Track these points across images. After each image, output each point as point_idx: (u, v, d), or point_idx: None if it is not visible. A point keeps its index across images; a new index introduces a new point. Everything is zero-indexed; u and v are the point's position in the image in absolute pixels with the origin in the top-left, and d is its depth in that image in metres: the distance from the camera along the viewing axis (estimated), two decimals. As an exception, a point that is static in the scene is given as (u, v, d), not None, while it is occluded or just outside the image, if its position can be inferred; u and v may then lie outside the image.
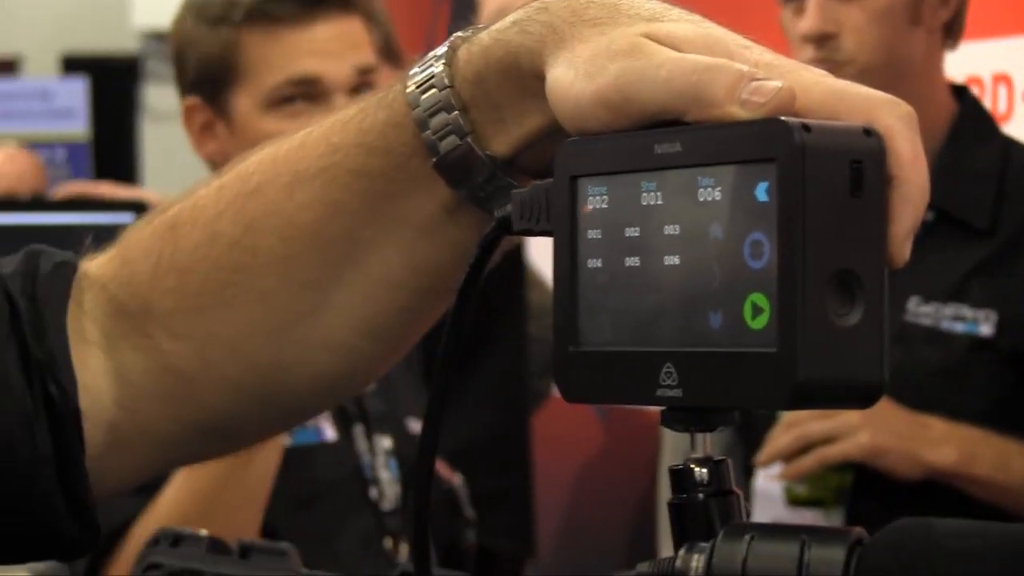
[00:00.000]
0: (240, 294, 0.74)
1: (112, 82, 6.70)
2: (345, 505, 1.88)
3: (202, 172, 2.00)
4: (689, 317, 0.54)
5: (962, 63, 2.28)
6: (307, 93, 1.92)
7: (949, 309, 1.91)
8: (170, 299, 0.75)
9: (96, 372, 0.76)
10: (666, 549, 0.60)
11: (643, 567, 0.56)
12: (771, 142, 0.50)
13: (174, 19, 2.06)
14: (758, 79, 0.53)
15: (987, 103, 2.32)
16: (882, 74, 1.81)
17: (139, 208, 1.94)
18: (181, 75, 2.03)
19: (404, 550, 1.89)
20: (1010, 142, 2.06)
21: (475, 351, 2.27)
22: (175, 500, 1.64)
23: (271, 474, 1.70)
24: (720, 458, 0.57)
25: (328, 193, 0.71)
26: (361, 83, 1.92)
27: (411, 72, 0.68)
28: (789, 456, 1.81)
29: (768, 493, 1.92)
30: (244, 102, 1.94)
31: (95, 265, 0.78)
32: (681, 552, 0.54)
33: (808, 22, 1.86)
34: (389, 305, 0.73)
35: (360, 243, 0.71)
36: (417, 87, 0.67)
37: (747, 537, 0.52)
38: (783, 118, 0.50)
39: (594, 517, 3.60)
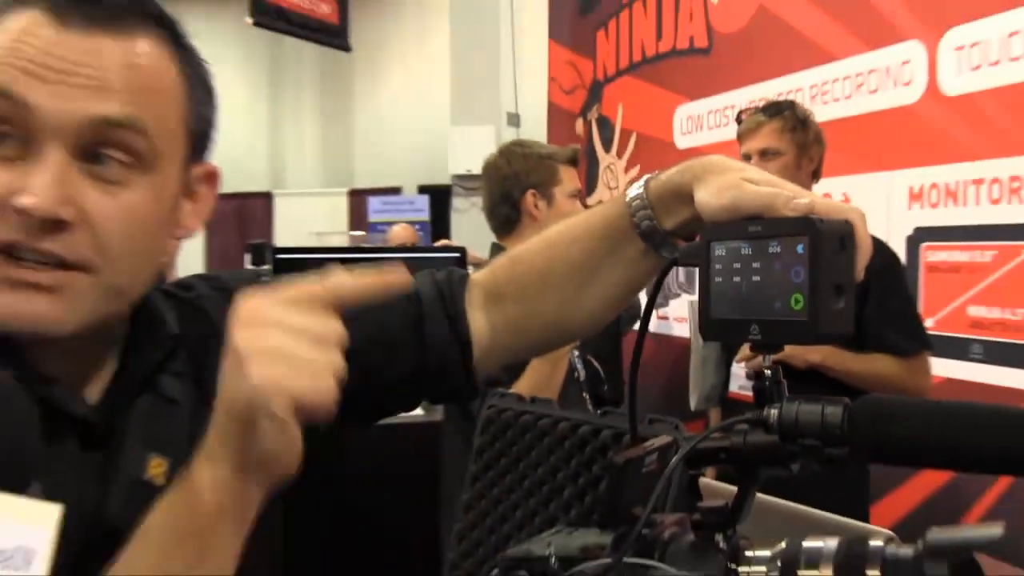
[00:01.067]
0: (546, 287, 1.26)
1: (439, 196, 11.51)
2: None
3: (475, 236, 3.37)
4: (765, 303, 0.94)
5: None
6: None
7: None
8: (513, 288, 1.28)
9: (478, 321, 1.29)
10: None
11: (743, 418, 0.91)
12: (805, 227, 0.92)
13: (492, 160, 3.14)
14: (796, 198, 0.96)
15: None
16: None
17: (453, 250, 3.53)
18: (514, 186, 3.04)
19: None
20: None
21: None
22: (523, 383, 2.44)
23: (563, 376, 2.55)
24: (775, 367, 0.93)
25: (588, 243, 1.22)
26: None
27: (629, 191, 1.15)
28: (751, 358, 2.81)
29: (737, 372, 3.17)
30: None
31: (477, 275, 1.31)
32: (765, 410, 0.90)
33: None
34: (613, 295, 1.25)
35: (602, 266, 1.22)
36: (630, 199, 1.16)
37: (797, 402, 0.88)
38: (809, 216, 0.94)
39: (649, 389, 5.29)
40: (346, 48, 10.37)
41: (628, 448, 0.99)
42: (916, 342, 2.99)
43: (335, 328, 0.93)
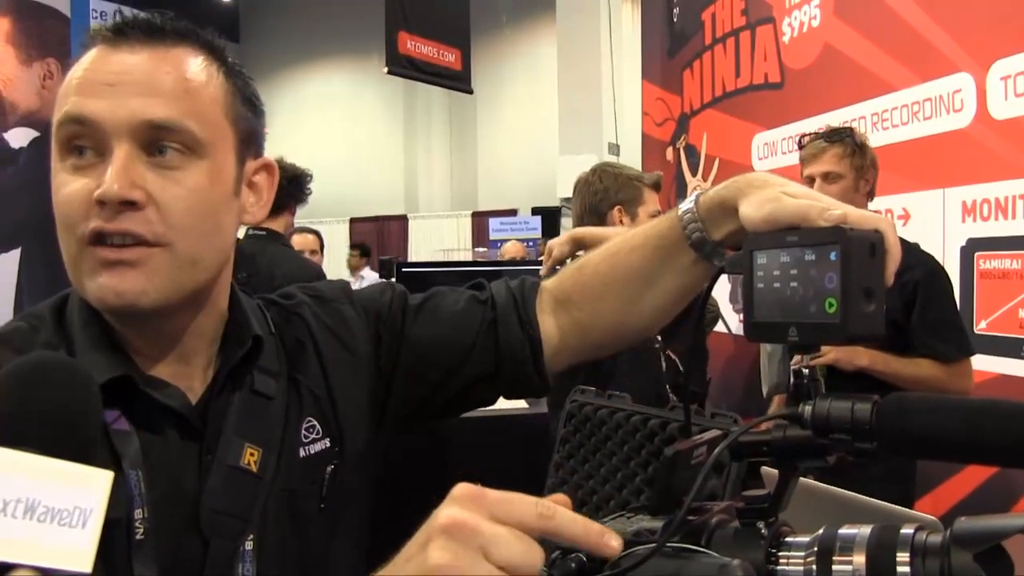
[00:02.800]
0: (608, 292, 1.22)
1: (549, 216, 12.02)
2: None
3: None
4: (802, 306, 0.89)
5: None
6: None
7: None
8: (579, 293, 1.24)
9: (545, 324, 1.25)
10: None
11: (779, 412, 0.87)
12: (837, 235, 0.88)
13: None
14: (829, 210, 0.90)
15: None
16: None
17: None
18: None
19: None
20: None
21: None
22: None
23: None
24: (813, 365, 0.88)
25: (645, 252, 1.18)
26: None
27: (681, 206, 1.12)
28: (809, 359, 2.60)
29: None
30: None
31: (547, 282, 1.27)
32: (800, 407, 0.85)
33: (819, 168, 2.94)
34: (669, 299, 1.20)
35: (658, 273, 1.18)
36: (683, 212, 1.12)
37: (830, 398, 0.83)
38: (841, 225, 0.88)
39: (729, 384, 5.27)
40: (469, 91, 10.45)
41: (682, 441, 0.95)
42: (957, 348, 2.85)
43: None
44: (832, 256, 0.86)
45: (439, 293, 1.29)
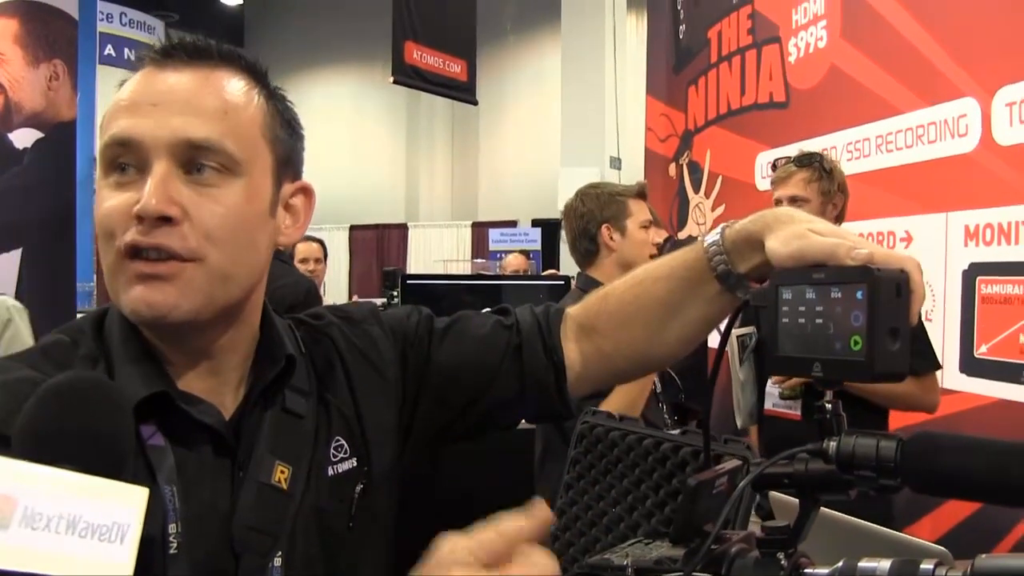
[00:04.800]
0: (633, 321, 1.23)
1: (549, 228, 11.66)
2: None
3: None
4: (827, 343, 0.90)
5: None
6: None
7: None
8: (603, 321, 1.25)
9: (571, 351, 1.26)
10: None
11: (805, 448, 0.88)
12: (864, 274, 0.88)
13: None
14: (857, 248, 0.91)
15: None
16: None
17: (559, 278, 3.34)
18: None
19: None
20: None
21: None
22: (612, 402, 2.35)
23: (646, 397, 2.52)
24: (836, 401, 0.90)
25: (671, 283, 1.19)
26: None
27: (707, 238, 1.12)
28: (785, 380, 2.80)
29: (771, 392, 2.92)
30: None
31: (572, 309, 1.28)
32: (824, 442, 0.87)
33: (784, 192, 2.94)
34: (692, 330, 1.21)
35: (682, 304, 1.19)
36: (708, 244, 1.12)
37: (855, 435, 0.85)
38: (868, 265, 0.89)
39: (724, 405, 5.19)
40: (473, 102, 10.45)
41: (701, 470, 0.95)
42: (927, 362, 2.86)
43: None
44: (859, 295, 0.87)
45: (465, 317, 1.30)
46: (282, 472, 1.08)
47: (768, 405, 3.13)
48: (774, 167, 3.09)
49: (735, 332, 2.85)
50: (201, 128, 1.01)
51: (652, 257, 2.86)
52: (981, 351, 3.39)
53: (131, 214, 0.99)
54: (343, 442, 1.17)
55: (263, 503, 1.05)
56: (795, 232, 1.00)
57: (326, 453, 1.15)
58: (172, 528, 0.98)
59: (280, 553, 1.06)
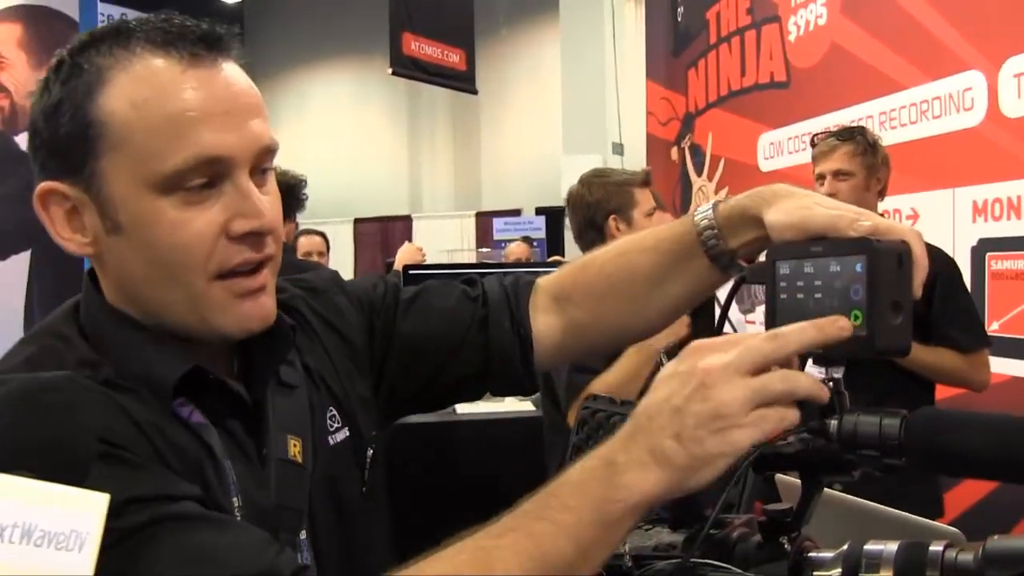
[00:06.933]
0: (613, 292, 1.19)
1: (553, 216, 11.61)
2: None
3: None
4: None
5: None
6: None
7: None
8: (580, 292, 1.22)
9: (540, 323, 1.23)
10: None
11: (806, 427, 0.83)
12: (864, 246, 0.84)
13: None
14: (859, 220, 0.88)
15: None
16: None
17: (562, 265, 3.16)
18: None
19: None
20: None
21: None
22: (605, 381, 2.41)
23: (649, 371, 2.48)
24: (838, 378, 0.85)
25: (657, 256, 1.15)
26: None
27: (697, 213, 1.08)
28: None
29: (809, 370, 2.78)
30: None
31: (543, 279, 1.25)
32: (826, 420, 0.83)
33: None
34: (675, 304, 1.17)
35: (666, 278, 1.15)
36: (699, 218, 1.08)
37: (857, 412, 0.81)
38: (869, 236, 0.85)
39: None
40: (473, 91, 10.40)
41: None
42: (976, 339, 2.83)
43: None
44: (858, 268, 0.83)
45: (431, 288, 1.27)
46: (295, 446, 1.06)
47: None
48: (812, 143, 3.04)
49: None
50: (267, 131, 0.98)
51: None
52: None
53: (221, 233, 0.94)
54: (335, 412, 1.15)
55: (286, 479, 1.04)
56: (799, 204, 0.96)
57: (324, 423, 1.13)
58: (235, 501, 0.95)
59: (305, 526, 1.05)
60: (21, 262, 5.73)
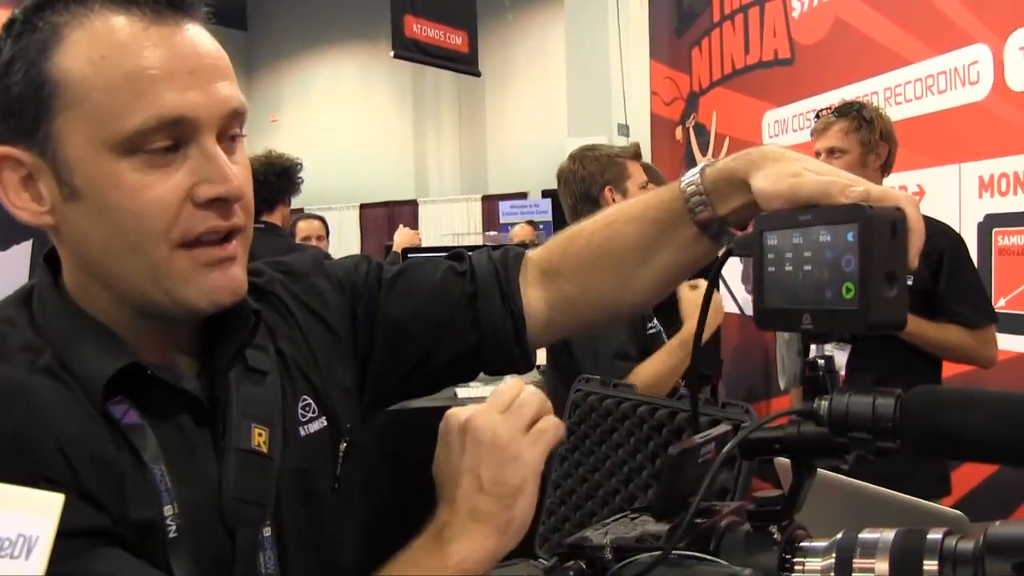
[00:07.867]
0: (601, 264, 1.14)
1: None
2: None
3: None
4: (816, 292, 0.80)
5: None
6: None
7: None
8: (568, 264, 1.16)
9: (531, 297, 1.18)
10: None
11: (795, 409, 0.79)
12: (856, 214, 0.79)
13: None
14: (851, 186, 0.82)
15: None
16: None
17: None
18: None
19: None
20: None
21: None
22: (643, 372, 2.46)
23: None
24: (829, 356, 0.80)
25: (644, 225, 1.10)
26: None
27: (684, 178, 1.03)
28: None
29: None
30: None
31: (532, 252, 1.19)
32: (815, 402, 0.77)
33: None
34: (666, 275, 1.12)
35: (655, 247, 1.09)
36: (686, 184, 1.03)
37: (848, 392, 0.76)
38: (861, 203, 0.80)
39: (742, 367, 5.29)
40: (476, 74, 10.34)
41: (687, 438, 0.87)
42: (984, 314, 2.80)
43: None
44: (850, 237, 0.78)
45: (415, 264, 1.21)
46: (260, 435, 1.00)
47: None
48: (817, 118, 3.00)
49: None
50: (237, 94, 0.93)
51: None
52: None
53: (185, 199, 0.90)
54: (310, 401, 1.09)
55: (248, 471, 0.98)
56: (788, 170, 0.91)
57: (295, 413, 1.07)
58: (168, 510, 0.89)
59: (268, 522, 0.99)
60: (22, 252, 5.72)
